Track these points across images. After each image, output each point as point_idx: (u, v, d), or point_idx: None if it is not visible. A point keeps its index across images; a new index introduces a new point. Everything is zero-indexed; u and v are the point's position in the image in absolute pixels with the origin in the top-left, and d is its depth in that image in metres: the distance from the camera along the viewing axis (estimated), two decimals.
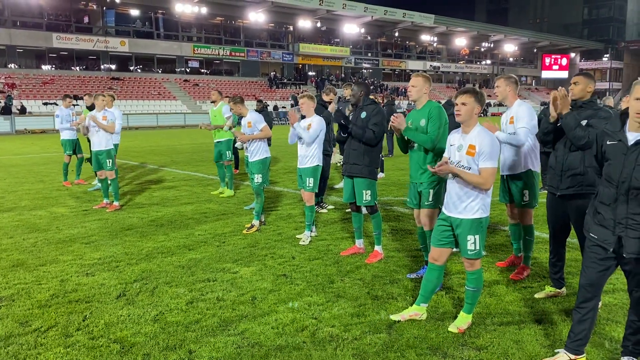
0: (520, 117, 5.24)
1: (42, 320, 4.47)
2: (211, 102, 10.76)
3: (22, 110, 33.91)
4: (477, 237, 4.06)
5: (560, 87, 4.41)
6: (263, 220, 7.87)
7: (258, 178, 7.50)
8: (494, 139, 4.00)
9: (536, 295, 4.90)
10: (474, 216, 4.04)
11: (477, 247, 4.08)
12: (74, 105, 12.29)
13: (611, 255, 3.38)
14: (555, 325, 4.29)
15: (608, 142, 3.38)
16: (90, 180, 12.01)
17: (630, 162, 3.23)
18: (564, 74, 78.16)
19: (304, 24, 54.55)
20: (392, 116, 5.05)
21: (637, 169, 3.20)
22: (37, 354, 3.88)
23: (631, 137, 3.27)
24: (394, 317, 4.41)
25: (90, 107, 11.52)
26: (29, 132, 31.95)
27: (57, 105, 35.16)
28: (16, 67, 40.32)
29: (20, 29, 40.57)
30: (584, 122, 4.35)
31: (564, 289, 4.91)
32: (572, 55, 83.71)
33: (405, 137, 5.20)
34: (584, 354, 3.63)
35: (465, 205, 4.05)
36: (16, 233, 7.46)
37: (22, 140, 26.40)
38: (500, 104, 65.48)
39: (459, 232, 4.12)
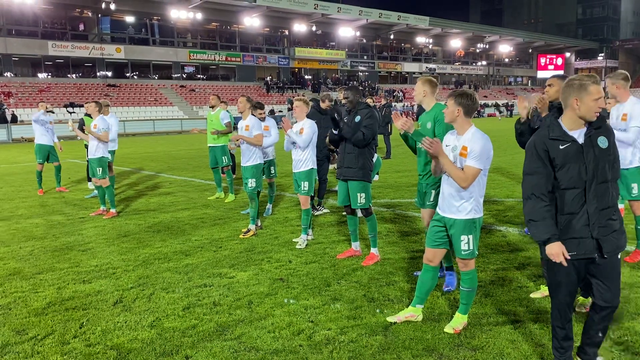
0: (635, 116, 5.47)
1: (38, 328, 4.48)
2: (210, 107, 10.74)
3: (13, 119, 33.85)
4: (470, 237, 4.08)
5: (520, 95, 4.52)
6: (259, 224, 7.89)
7: (252, 182, 7.51)
8: (488, 143, 3.98)
9: (532, 295, 4.93)
10: (467, 216, 4.06)
11: (471, 247, 4.10)
12: (49, 112, 12.16)
13: (583, 267, 3.28)
14: (550, 325, 4.30)
15: (560, 147, 3.23)
16: (69, 185, 12.03)
17: (590, 158, 3.17)
18: (560, 74, 78.32)
19: (300, 28, 54.67)
20: (401, 119, 4.88)
21: (599, 161, 3.17)
22: None
23: (576, 134, 3.24)
24: (390, 319, 4.43)
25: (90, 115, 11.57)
26: (25, 140, 31.91)
27: (53, 113, 35.19)
28: (12, 75, 40.32)
29: (16, 37, 40.61)
30: None
31: None
32: (567, 54, 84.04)
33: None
34: None
35: (459, 205, 4.07)
36: (13, 241, 7.46)
37: (18, 148, 26.40)
38: (496, 105, 65.66)
39: (452, 232, 4.14)
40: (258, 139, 7.52)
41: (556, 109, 4.59)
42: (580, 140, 3.22)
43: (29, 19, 41.34)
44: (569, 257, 3.20)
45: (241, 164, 7.66)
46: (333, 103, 9.59)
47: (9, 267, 6.22)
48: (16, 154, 22.87)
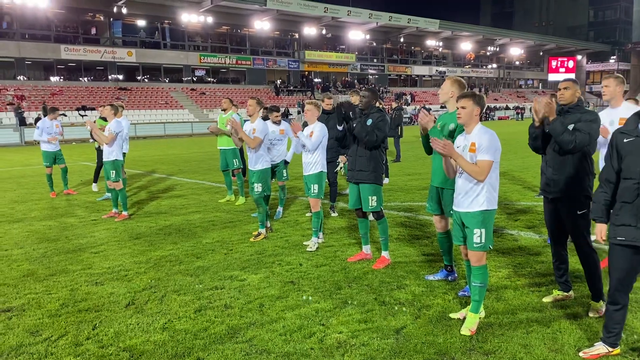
0: None
1: (52, 329, 4.52)
2: (222, 110, 10.82)
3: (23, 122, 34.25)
4: (483, 230, 4.21)
5: (536, 98, 4.57)
6: (269, 226, 7.89)
7: (258, 187, 7.46)
8: (494, 136, 4.18)
9: (544, 299, 4.89)
10: (480, 208, 4.20)
11: (483, 240, 4.22)
12: (62, 115, 12.29)
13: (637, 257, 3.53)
14: (563, 329, 4.28)
15: (625, 140, 3.58)
16: (81, 187, 12.13)
17: None
18: (571, 77, 77.67)
19: (310, 31, 54.78)
20: (421, 112, 5.10)
21: None
22: None
23: None
24: (453, 316, 4.57)
25: (105, 118, 11.63)
26: (37, 143, 32.25)
27: (65, 116, 35.49)
28: (25, 79, 40.73)
29: (29, 41, 41.03)
30: (571, 127, 4.49)
31: (571, 292, 4.90)
32: (579, 57, 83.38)
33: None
34: (619, 346, 3.80)
35: (472, 199, 4.23)
36: (26, 243, 7.53)
37: (31, 151, 26.63)
38: (507, 108, 65.30)
39: (466, 225, 4.28)
40: (254, 141, 7.32)
41: (566, 111, 4.64)
42: None
43: (42, 23, 41.77)
44: (604, 239, 3.71)
45: (248, 168, 7.65)
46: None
47: (23, 269, 6.28)
48: (29, 157, 23.09)
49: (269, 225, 7.84)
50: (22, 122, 33.78)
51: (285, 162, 8.99)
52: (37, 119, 33.34)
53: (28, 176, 15.75)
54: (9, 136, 32.64)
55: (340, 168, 9.39)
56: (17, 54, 39.99)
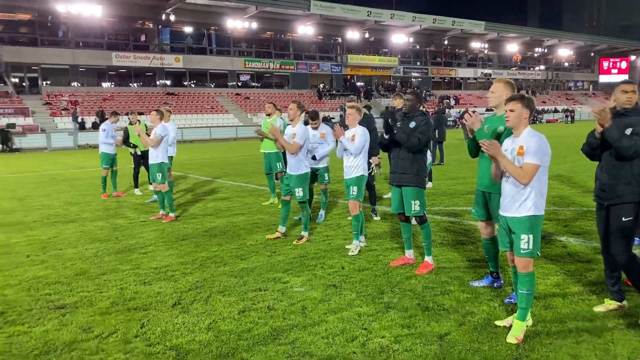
0: None
1: (103, 326, 4.68)
2: (266, 115, 10.97)
3: (82, 126, 35.70)
4: (530, 236, 4.12)
5: (587, 101, 4.45)
6: (284, 232, 7.80)
7: (299, 192, 7.49)
8: (543, 140, 4.09)
9: (595, 309, 4.72)
10: (528, 214, 4.11)
11: (530, 247, 4.13)
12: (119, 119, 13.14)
13: None
14: (616, 340, 4.12)
15: None
16: (130, 189, 12.50)
17: None
18: (624, 78, 74.85)
19: (352, 35, 54.75)
20: (466, 114, 5.05)
21: None
22: (100, 359, 4.07)
23: None
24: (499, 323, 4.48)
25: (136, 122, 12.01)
26: (90, 146, 33.42)
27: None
28: (79, 85, 42.45)
29: (83, 49, 42.70)
30: (628, 131, 4.33)
31: (625, 302, 4.70)
32: (633, 58, 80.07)
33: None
34: None
35: (519, 204, 4.15)
36: (79, 243, 7.83)
37: (84, 154, 27.69)
38: (555, 110, 63.37)
39: (513, 231, 4.20)
40: (294, 146, 7.35)
41: (622, 114, 4.48)
42: None
43: (95, 32, 43.40)
44: None
45: (287, 172, 7.68)
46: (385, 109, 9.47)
47: (76, 268, 6.53)
48: (82, 160, 24.00)
49: (284, 230, 7.82)
50: (81, 126, 35.29)
51: (313, 158, 8.60)
52: (95, 124, 34.78)
53: (81, 178, 16.37)
54: (64, 140, 34.11)
55: (372, 169, 9.26)
56: (71, 61, 41.68)
